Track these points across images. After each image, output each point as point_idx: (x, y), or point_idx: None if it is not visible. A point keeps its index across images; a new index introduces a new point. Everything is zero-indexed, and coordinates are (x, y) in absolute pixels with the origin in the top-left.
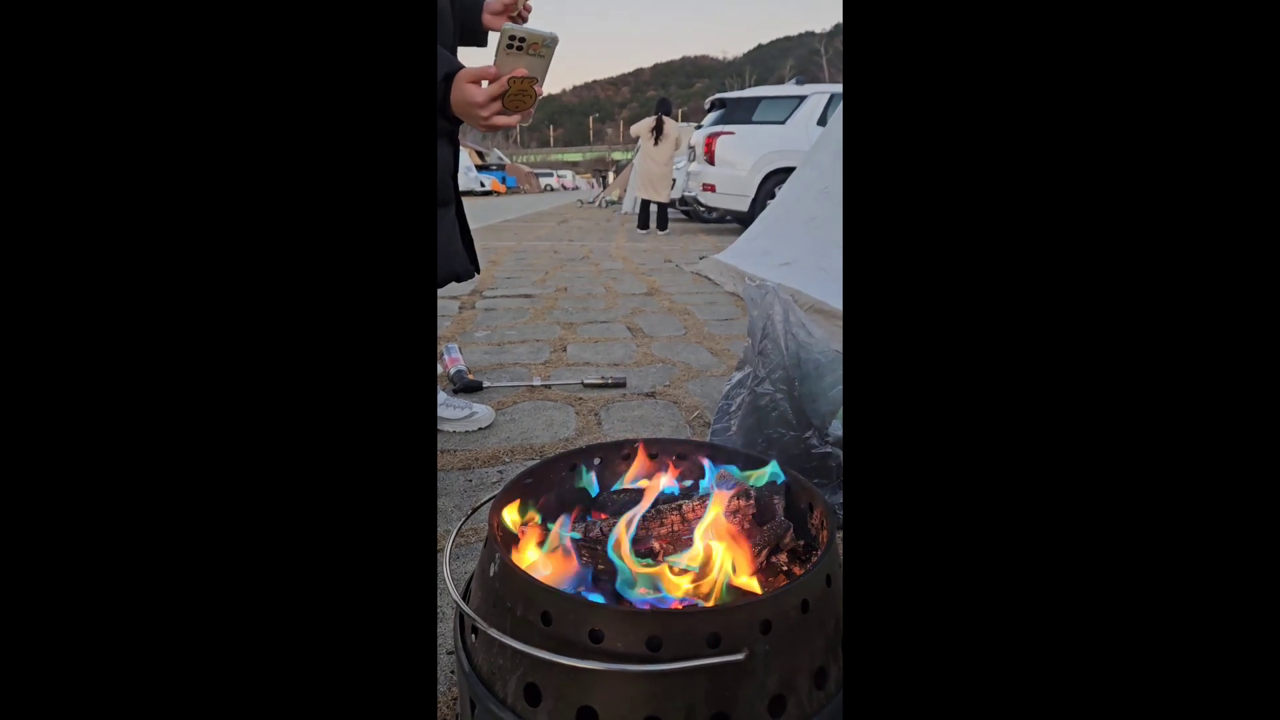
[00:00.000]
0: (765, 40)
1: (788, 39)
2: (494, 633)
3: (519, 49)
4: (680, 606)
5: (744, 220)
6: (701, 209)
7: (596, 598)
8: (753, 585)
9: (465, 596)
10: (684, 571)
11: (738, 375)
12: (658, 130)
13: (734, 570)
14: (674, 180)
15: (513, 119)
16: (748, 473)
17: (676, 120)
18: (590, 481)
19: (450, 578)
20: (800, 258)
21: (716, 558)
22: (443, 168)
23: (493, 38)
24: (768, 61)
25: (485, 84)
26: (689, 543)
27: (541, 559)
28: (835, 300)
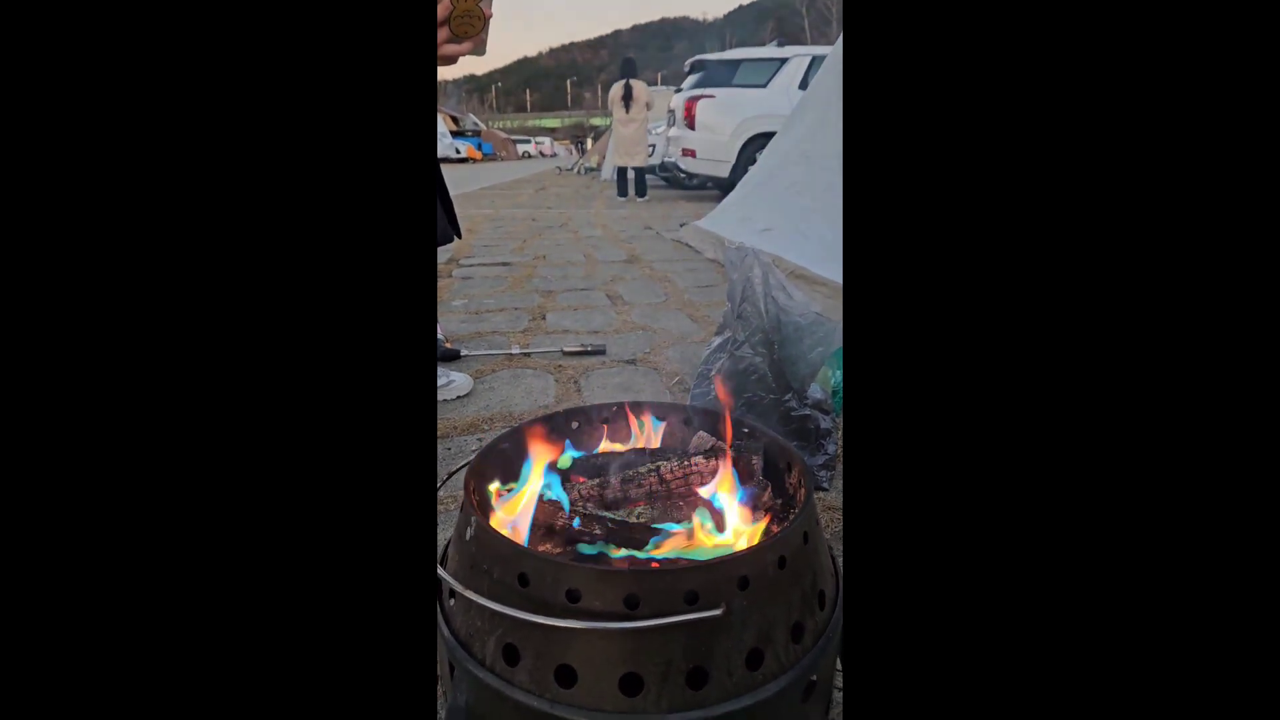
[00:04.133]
0: (746, 1)
1: (769, 1)
2: (471, 595)
3: None
4: (658, 565)
5: (724, 186)
6: (681, 175)
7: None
8: (731, 542)
9: (442, 562)
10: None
11: (717, 340)
12: (627, 95)
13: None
14: (652, 146)
15: (463, 47)
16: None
17: (655, 83)
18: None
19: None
20: (781, 223)
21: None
22: None
23: None
24: (748, 23)
25: None
26: (667, 503)
27: (517, 521)
28: (816, 265)
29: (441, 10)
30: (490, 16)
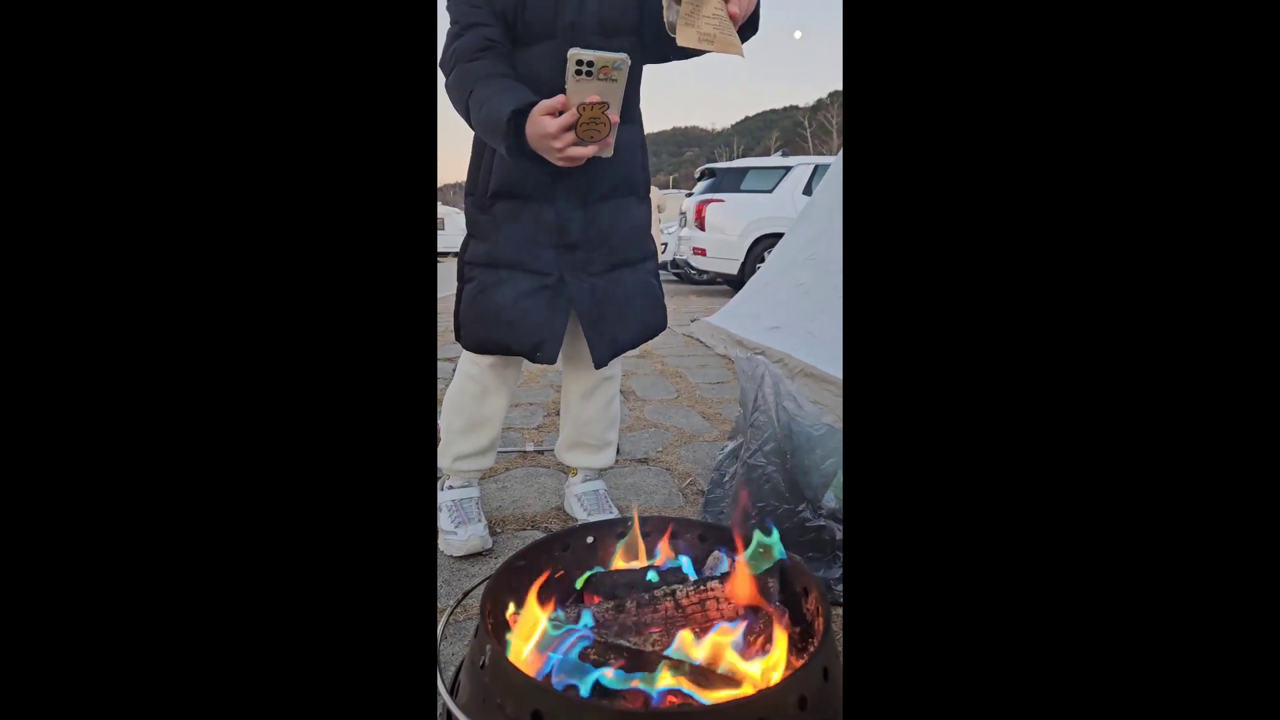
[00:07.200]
0: (752, 113)
1: (773, 112)
2: None
3: (588, 74)
4: (676, 700)
5: (734, 282)
6: (693, 271)
7: (591, 675)
8: (751, 677)
9: (454, 688)
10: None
11: (730, 445)
12: None
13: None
14: (664, 244)
15: (588, 150)
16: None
17: (667, 186)
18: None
19: (438, 666)
20: (789, 322)
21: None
22: (629, 226)
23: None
24: (754, 133)
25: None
26: (683, 629)
27: (533, 648)
28: (824, 364)
29: (569, 118)
30: (617, 123)
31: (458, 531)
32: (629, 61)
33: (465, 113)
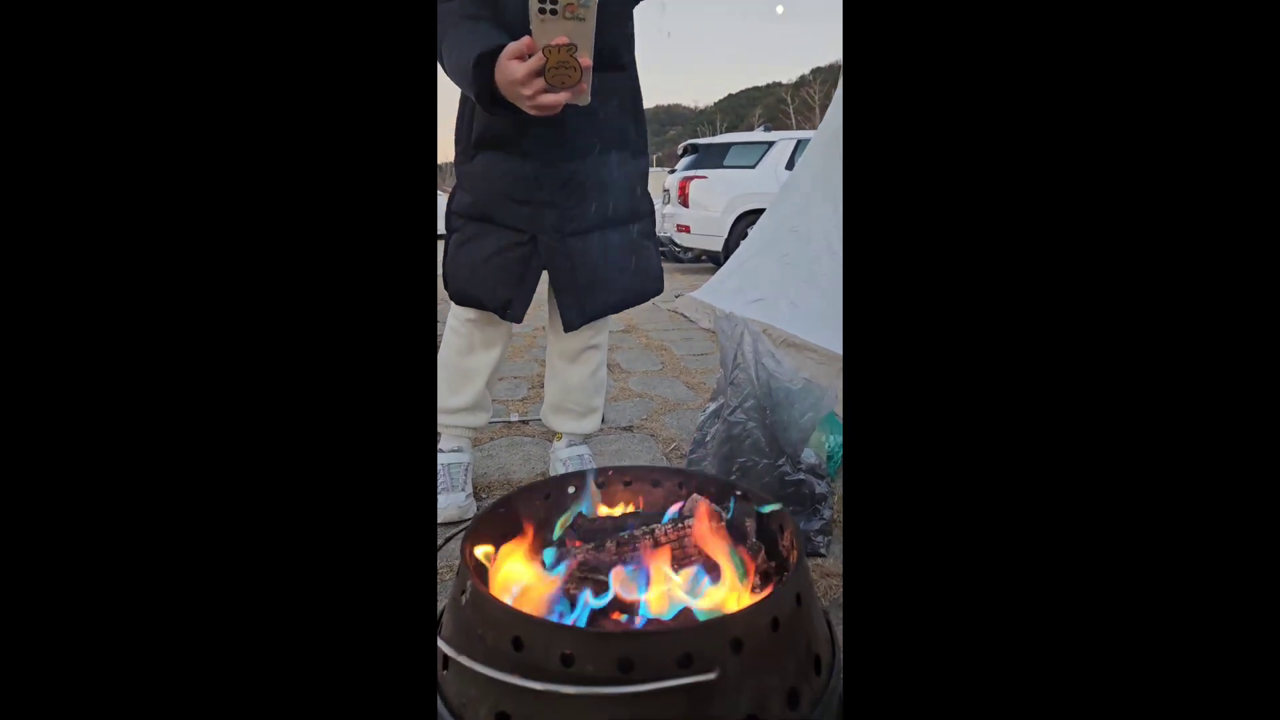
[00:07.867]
0: (735, 90)
1: (756, 89)
2: (465, 660)
3: (552, 13)
4: (652, 626)
5: (717, 259)
6: (677, 249)
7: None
8: (725, 604)
9: (438, 626)
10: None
11: (712, 406)
12: None
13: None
14: None
15: (560, 97)
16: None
17: (650, 165)
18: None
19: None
20: (771, 294)
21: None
22: (617, 180)
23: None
24: (737, 110)
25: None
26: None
27: (517, 587)
28: (805, 333)
29: (536, 62)
30: (588, 66)
31: (437, 498)
32: None
33: (440, 58)
